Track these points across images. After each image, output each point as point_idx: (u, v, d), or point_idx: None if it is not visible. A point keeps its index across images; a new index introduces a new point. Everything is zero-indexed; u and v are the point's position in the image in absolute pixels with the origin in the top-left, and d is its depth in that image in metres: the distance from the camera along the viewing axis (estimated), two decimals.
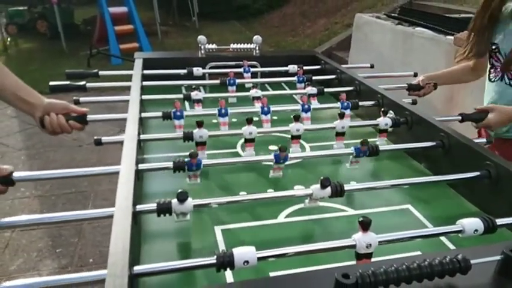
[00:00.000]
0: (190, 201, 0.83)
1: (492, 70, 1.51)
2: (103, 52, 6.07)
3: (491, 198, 0.99)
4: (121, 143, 1.07)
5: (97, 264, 2.24)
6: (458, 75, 1.73)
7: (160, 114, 1.31)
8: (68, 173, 0.95)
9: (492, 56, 1.50)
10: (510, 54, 1.40)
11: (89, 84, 1.56)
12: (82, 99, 1.42)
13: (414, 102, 1.56)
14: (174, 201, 0.82)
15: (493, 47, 1.48)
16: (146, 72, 1.72)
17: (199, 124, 1.16)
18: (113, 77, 1.82)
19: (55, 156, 3.45)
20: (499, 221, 0.81)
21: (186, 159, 1.00)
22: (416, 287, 0.57)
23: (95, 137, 1.14)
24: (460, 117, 1.36)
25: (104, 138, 1.14)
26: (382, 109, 1.32)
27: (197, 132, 1.16)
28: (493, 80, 1.51)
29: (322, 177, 0.90)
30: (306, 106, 1.42)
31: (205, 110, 1.44)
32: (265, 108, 1.37)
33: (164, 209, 0.81)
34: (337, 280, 0.53)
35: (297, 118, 1.23)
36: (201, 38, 1.97)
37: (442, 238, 0.89)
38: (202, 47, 1.96)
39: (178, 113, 1.30)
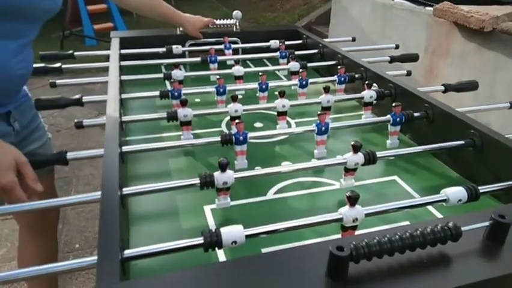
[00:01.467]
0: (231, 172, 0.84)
1: None
2: (76, 33, 5.86)
3: (476, 166, 1.01)
4: (102, 125, 1.04)
5: (83, 250, 2.22)
6: None
7: (141, 94, 1.28)
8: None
9: None
10: None
11: (64, 66, 1.51)
12: (58, 81, 1.37)
13: (408, 74, 1.56)
14: (217, 173, 0.82)
15: None
16: (123, 51, 1.67)
17: (183, 103, 1.13)
18: (90, 58, 1.76)
19: None
20: (482, 189, 0.83)
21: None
22: (409, 256, 0.58)
23: (76, 120, 1.10)
24: (442, 88, 1.37)
25: (86, 121, 1.11)
26: (366, 82, 1.32)
27: (181, 112, 1.14)
28: None
29: (353, 142, 0.90)
30: (304, 81, 1.41)
31: (187, 89, 1.41)
32: (263, 86, 1.35)
33: (208, 182, 0.82)
34: (331, 253, 0.53)
35: (282, 94, 1.21)
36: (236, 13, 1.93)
37: (430, 207, 0.90)
38: None
39: (176, 93, 1.27)
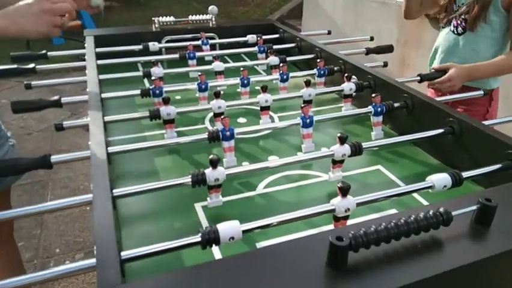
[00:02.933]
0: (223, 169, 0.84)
1: (445, 15, 1.58)
2: None
3: (456, 153, 1.04)
4: (83, 126, 1.02)
5: (65, 254, 2.17)
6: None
7: (122, 93, 1.26)
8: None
9: (450, 1, 1.56)
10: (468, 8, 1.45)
11: (39, 67, 1.46)
12: (34, 83, 1.33)
13: (385, 65, 1.60)
14: (208, 170, 0.82)
15: None
16: (98, 50, 1.63)
17: (166, 101, 1.12)
18: (62, 57, 1.71)
19: None
20: (465, 174, 0.86)
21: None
22: (404, 242, 0.60)
23: (56, 123, 1.07)
24: (418, 78, 1.41)
25: (66, 123, 1.08)
26: (345, 74, 1.34)
27: (164, 110, 1.12)
28: (443, 26, 1.58)
29: (339, 134, 0.92)
30: (285, 76, 1.41)
31: (167, 86, 1.40)
32: (245, 81, 1.35)
33: (199, 180, 0.81)
34: (331, 243, 0.54)
35: (264, 89, 1.21)
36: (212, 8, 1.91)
37: (415, 195, 0.93)
38: (156, 21, 1.88)
39: (157, 91, 1.25)
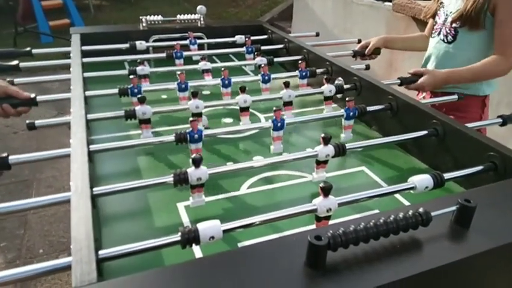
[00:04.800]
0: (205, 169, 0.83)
1: (434, 26, 1.59)
2: (30, 30, 5.59)
3: (439, 155, 1.05)
4: (63, 125, 1.01)
5: (48, 254, 2.14)
6: (413, 42, 1.80)
7: (106, 92, 1.24)
8: (14, 160, 0.87)
9: (437, 12, 1.57)
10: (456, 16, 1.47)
11: (22, 64, 1.44)
12: (16, 80, 1.30)
13: (367, 68, 1.60)
14: (190, 169, 0.81)
15: (440, 2, 1.56)
16: (84, 48, 1.61)
17: (141, 100, 1.10)
18: (48, 55, 1.69)
19: None
20: (447, 176, 0.87)
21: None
22: (383, 242, 0.60)
23: (28, 121, 1.06)
24: (399, 81, 1.42)
25: (39, 122, 1.06)
26: (325, 77, 1.34)
27: (139, 109, 1.11)
28: (432, 36, 1.59)
29: (322, 135, 0.91)
30: (266, 77, 1.41)
31: (153, 86, 1.39)
32: (226, 81, 1.34)
33: (181, 179, 0.80)
34: (310, 242, 0.54)
35: (243, 89, 1.20)
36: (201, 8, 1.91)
37: (397, 195, 0.94)
38: (144, 19, 1.87)
39: (136, 90, 1.23)
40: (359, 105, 1.17)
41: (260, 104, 1.37)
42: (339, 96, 1.39)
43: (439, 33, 1.56)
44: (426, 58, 1.64)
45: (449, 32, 1.50)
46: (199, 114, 1.15)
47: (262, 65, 1.43)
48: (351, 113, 1.16)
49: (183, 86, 1.31)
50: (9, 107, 1.15)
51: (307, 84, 1.50)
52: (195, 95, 1.14)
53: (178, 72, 1.31)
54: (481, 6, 1.38)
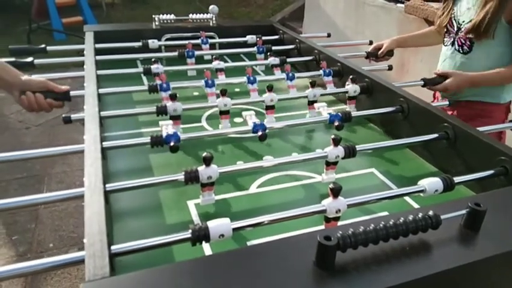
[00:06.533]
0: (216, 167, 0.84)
1: (446, 34, 1.58)
2: (44, 27, 5.65)
3: (449, 158, 1.05)
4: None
5: (58, 249, 2.17)
6: (425, 38, 1.81)
7: (119, 89, 1.26)
8: (27, 155, 0.89)
9: (448, 21, 1.56)
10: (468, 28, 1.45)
11: (37, 61, 1.46)
12: (34, 77, 1.32)
13: (390, 68, 1.61)
14: (201, 168, 0.82)
15: (450, 10, 1.55)
16: (98, 46, 1.63)
17: (172, 97, 1.12)
18: (61, 52, 1.71)
19: (0, 140, 3.24)
20: (457, 179, 0.86)
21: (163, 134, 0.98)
22: (392, 244, 0.60)
23: (64, 115, 1.08)
24: (422, 82, 1.42)
25: (75, 116, 1.09)
26: (351, 76, 1.34)
27: (171, 106, 1.13)
28: (445, 44, 1.58)
29: (333, 136, 0.92)
30: (291, 74, 1.42)
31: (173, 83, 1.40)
32: (251, 78, 1.35)
33: (192, 177, 0.81)
34: (319, 242, 0.55)
35: (270, 88, 1.21)
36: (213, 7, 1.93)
37: (407, 198, 0.94)
38: (157, 18, 1.88)
39: (165, 85, 1.26)
40: (344, 111, 1.17)
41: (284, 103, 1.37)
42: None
43: (453, 43, 1.53)
44: (441, 67, 1.62)
45: (464, 42, 1.49)
46: (227, 112, 1.17)
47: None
48: (333, 119, 1.15)
49: (210, 82, 1.33)
50: (41, 97, 1.17)
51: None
52: (223, 93, 1.16)
53: (205, 69, 1.34)
54: (493, 16, 1.37)
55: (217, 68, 1.50)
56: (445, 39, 1.59)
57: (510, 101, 1.56)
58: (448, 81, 1.40)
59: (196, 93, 1.49)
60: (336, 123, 1.10)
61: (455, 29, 1.52)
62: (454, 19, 1.53)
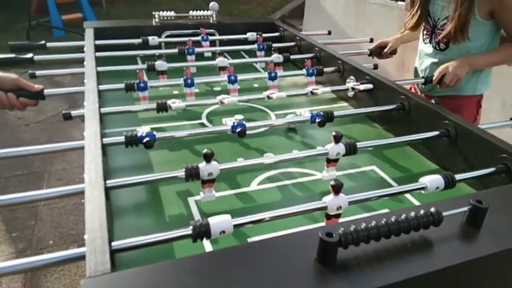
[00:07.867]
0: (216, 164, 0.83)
1: (424, 32, 1.59)
2: (43, 24, 5.64)
3: (450, 156, 1.05)
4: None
5: (58, 246, 2.17)
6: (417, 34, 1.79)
7: (119, 86, 1.26)
8: (27, 151, 0.89)
9: (424, 19, 1.57)
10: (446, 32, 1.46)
11: (37, 57, 1.46)
12: (38, 72, 1.32)
13: (375, 67, 1.60)
14: (201, 164, 0.81)
15: (421, 7, 1.56)
16: (98, 42, 1.63)
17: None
18: (61, 49, 1.71)
19: (0, 137, 3.23)
20: (458, 176, 0.86)
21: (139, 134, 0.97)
22: (394, 240, 0.60)
23: (64, 111, 1.07)
24: (423, 80, 1.43)
25: (75, 112, 1.08)
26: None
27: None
28: (425, 42, 1.59)
29: (333, 133, 0.91)
30: (273, 74, 1.41)
31: (166, 81, 1.40)
32: (232, 77, 1.34)
33: (193, 174, 0.81)
34: (321, 239, 0.55)
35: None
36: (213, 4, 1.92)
37: (407, 195, 0.94)
38: (157, 15, 1.88)
39: (142, 84, 1.24)
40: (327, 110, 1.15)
41: (269, 103, 1.37)
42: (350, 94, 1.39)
43: (431, 40, 1.55)
44: (420, 61, 1.63)
45: (440, 40, 1.50)
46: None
47: (268, 62, 1.43)
48: (314, 118, 1.13)
49: (189, 81, 1.31)
50: (13, 96, 1.13)
51: (317, 82, 1.50)
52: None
53: (184, 67, 1.32)
54: (466, 18, 1.38)
55: (220, 66, 1.49)
56: (423, 36, 1.60)
57: (482, 95, 1.57)
58: (447, 71, 1.40)
59: (196, 90, 1.48)
60: (318, 120, 1.08)
61: (431, 26, 1.53)
62: (430, 16, 1.54)
